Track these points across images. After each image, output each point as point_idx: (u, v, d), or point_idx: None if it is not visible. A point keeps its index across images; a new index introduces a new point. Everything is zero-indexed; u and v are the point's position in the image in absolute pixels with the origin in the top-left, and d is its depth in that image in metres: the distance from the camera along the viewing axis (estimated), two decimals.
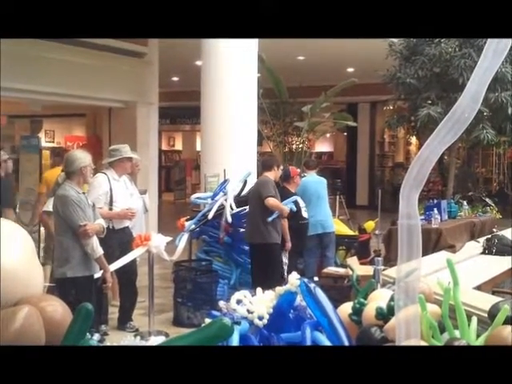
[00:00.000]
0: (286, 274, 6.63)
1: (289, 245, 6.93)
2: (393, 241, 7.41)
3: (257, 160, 8.68)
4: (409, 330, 2.12)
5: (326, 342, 2.76)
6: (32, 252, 2.50)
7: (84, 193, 5.13)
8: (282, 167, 7.27)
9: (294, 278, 2.99)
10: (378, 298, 2.97)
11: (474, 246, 7.41)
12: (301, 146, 12.76)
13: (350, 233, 9.33)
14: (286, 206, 6.86)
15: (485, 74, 2.08)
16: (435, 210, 7.89)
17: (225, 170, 7.79)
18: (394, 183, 18.95)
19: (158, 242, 5.97)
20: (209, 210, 7.23)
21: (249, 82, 8.29)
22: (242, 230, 7.51)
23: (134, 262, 6.25)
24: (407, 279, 2.13)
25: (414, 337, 2.13)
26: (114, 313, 6.56)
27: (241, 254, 7.43)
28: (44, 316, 2.23)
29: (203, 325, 2.33)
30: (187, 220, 7.37)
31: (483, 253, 7.01)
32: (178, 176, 23.01)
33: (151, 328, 6.02)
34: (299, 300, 3.07)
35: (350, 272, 5.13)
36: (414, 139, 18.29)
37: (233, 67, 8.10)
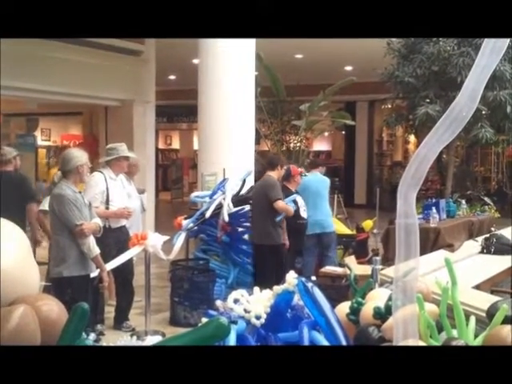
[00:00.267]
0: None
1: (287, 244, 6.92)
2: (391, 240, 7.40)
3: (255, 159, 8.66)
4: (407, 329, 2.11)
5: (324, 342, 2.75)
6: (28, 251, 2.49)
7: (80, 192, 5.11)
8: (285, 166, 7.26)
9: (291, 278, 2.97)
10: (376, 298, 2.97)
11: (473, 245, 7.41)
12: (298, 144, 12.75)
13: (348, 232, 9.32)
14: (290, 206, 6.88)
15: (482, 73, 2.08)
16: (433, 208, 7.88)
17: (224, 169, 7.77)
18: (392, 182, 18.94)
19: (155, 241, 5.95)
20: (207, 209, 7.21)
21: (246, 81, 8.27)
22: (240, 229, 7.51)
23: (130, 261, 6.23)
24: (405, 278, 2.12)
25: (411, 336, 2.12)
26: (110, 312, 6.54)
27: (239, 254, 7.42)
28: (40, 315, 2.22)
29: (200, 324, 2.32)
30: (185, 219, 7.36)
31: (481, 252, 7.02)
32: (174, 175, 22.98)
33: (148, 327, 6.01)
34: (297, 299, 3.06)
35: (348, 271, 5.12)
36: (412, 138, 18.27)
37: (230, 66, 8.08)
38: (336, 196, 13.17)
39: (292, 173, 7.44)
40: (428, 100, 9.70)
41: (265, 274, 6.48)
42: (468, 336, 2.53)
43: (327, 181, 8.21)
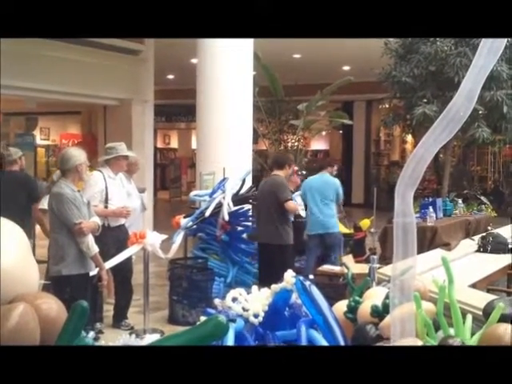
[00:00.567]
0: None
1: None
2: (388, 239, 7.42)
3: (253, 158, 8.68)
4: (404, 327, 2.13)
5: (322, 340, 2.77)
6: (27, 249, 2.50)
7: (79, 191, 5.13)
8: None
9: (289, 276, 2.99)
10: (373, 296, 2.98)
11: (469, 244, 7.43)
12: (296, 144, 12.78)
13: (346, 231, 9.33)
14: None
15: (480, 73, 2.09)
16: (430, 208, 7.90)
17: (224, 169, 7.79)
18: (389, 181, 18.97)
19: (154, 239, 5.97)
20: (207, 208, 7.23)
21: (244, 80, 8.29)
22: (239, 228, 7.52)
23: (129, 259, 6.24)
24: (402, 277, 2.13)
25: (409, 334, 2.13)
26: (108, 310, 6.56)
27: (238, 253, 7.44)
28: (39, 314, 2.23)
29: (198, 323, 2.33)
30: (184, 217, 7.37)
31: (478, 251, 7.03)
32: (173, 174, 22.99)
33: (146, 326, 6.03)
34: (294, 298, 3.07)
35: (346, 270, 5.14)
36: (409, 137, 18.31)
37: (228, 65, 8.09)
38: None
39: (290, 172, 7.45)
40: (425, 100, 9.72)
41: (272, 274, 6.44)
42: (465, 334, 2.54)
43: (334, 182, 8.12)
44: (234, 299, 3.07)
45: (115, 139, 7.73)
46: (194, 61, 9.37)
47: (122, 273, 6.31)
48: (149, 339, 2.64)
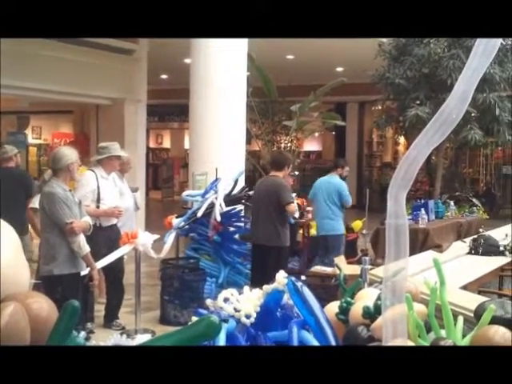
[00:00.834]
0: None
1: None
2: (380, 240, 7.44)
3: (246, 158, 8.68)
4: (396, 329, 2.13)
5: (313, 341, 2.76)
6: (18, 248, 2.49)
7: (71, 190, 5.11)
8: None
9: (281, 277, 2.99)
10: (365, 297, 2.98)
11: (461, 246, 7.45)
12: (289, 144, 12.78)
13: None
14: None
15: (473, 75, 2.09)
16: (422, 209, 7.93)
17: (217, 169, 7.78)
18: (381, 183, 19.01)
19: (145, 239, 5.96)
20: (199, 208, 7.22)
21: (238, 81, 8.28)
22: (231, 228, 7.52)
23: (121, 259, 6.23)
24: (394, 278, 2.13)
25: (400, 336, 2.13)
26: (100, 310, 6.54)
27: (229, 253, 7.43)
28: (30, 313, 2.22)
29: (190, 323, 2.33)
30: (177, 218, 7.36)
31: (469, 253, 7.05)
32: (165, 174, 22.96)
33: (138, 326, 6.01)
34: (286, 299, 3.07)
35: (338, 271, 5.14)
36: (402, 139, 18.36)
37: (222, 65, 8.08)
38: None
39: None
40: (418, 102, 9.76)
41: (268, 276, 6.40)
42: (456, 336, 2.55)
43: (336, 184, 8.19)
44: (226, 300, 3.06)
45: (107, 139, 7.72)
46: (187, 61, 9.37)
47: (114, 273, 6.29)
48: (140, 339, 2.63)
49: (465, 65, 2.13)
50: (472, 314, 2.77)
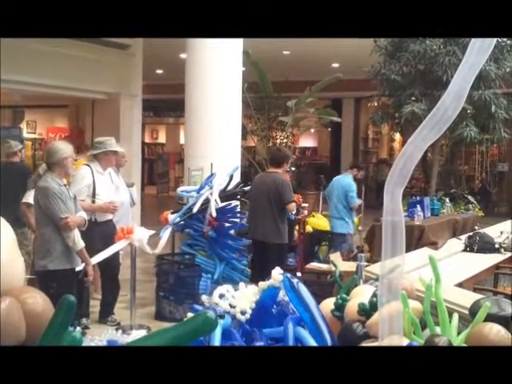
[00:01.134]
0: None
1: None
2: (376, 237, 7.44)
3: (241, 154, 8.67)
4: (392, 325, 2.13)
5: (308, 338, 2.77)
6: (14, 243, 2.48)
7: (66, 185, 5.09)
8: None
9: (277, 273, 2.98)
10: (361, 294, 2.99)
11: (456, 244, 7.46)
12: (285, 140, 12.76)
13: None
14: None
15: (469, 72, 2.09)
16: (418, 206, 7.93)
17: (212, 164, 7.77)
18: (377, 179, 19.02)
19: (141, 235, 5.95)
20: (194, 204, 7.21)
21: (233, 76, 8.26)
22: (227, 224, 7.50)
23: (116, 255, 6.22)
24: (390, 276, 2.13)
25: (396, 333, 2.14)
26: (95, 306, 6.53)
27: (225, 249, 7.42)
28: (25, 308, 2.22)
29: (185, 319, 2.32)
30: (171, 213, 7.35)
31: (465, 250, 7.07)
32: (161, 169, 22.90)
33: (133, 322, 6.00)
34: (282, 295, 3.07)
35: (333, 268, 5.14)
36: (397, 136, 18.34)
37: (218, 61, 8.06)
38: (322, 192, 13.22)
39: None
40: (414, 98, 9.74)
41: (268, 273, 6.37)
42: (451, 333, 2.55)
43: (345, 184, 8.49)
44: (221, 296, 3.06)
45: (103, 133, 7.69)
46: (182, 56, 9.35)
47: (109, 268, 6.28)
48: (135, 335, 2.63)
49: (460, 62, 2.13)
50: (467, 312, 2.77)
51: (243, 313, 2.96)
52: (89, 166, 6.28)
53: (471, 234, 7.46)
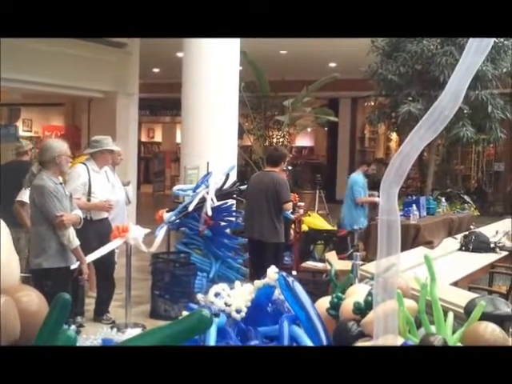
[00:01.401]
0: None
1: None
2: (371, 236, 7.44)
3: (238, 153, 8.67)
4: (387, 324, 2.13)
5: (304, 336, 2.77)
6: (9, 242, 2.48)
7: (61, 183, 5.07)
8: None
9: (272, 272, 2.99)
10: (356, 293, 2.99)
11: (452, 243, 7.47)
12: (281, 140, 12.76)
13: (329, 227, 9.36)
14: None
15: (466, 72, 2.09)
16: (414, 206, 7.94)
17: (208, 163, 7.76)
18: (373, 179, 18.99)
19: (136, 233, 5.94)
20: (190, 202, 7.20)
21: (230, 75, 8.26)
22: (222, 223, 7.50)
23: (112, 253, 6.21)
24: (386, 274, 2.14)
25: (391, 332, 2.14)
26: (90, 304, 6.52)
27: (220, 248, 7.42)
28: (20, 306, 2.22)
29: (181, 317, 2.32)
30: (167, 212, 7.35)
31: (460, 249, 7.07)
32: (157, 168, 22.88)
33: (128, 320, 6.00)
34: (277, 294, 3.07)
35: (329, 266, 5.15)
36: (394, 135, 18.38)
37: (214, 60, 8.05)
38: (318, 192, 13.25)
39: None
40: (410, 98, 9.76)
41: (265, 272, 6.36)
42: (446, 332, 2.55)
43: (353, 180, 8.76)
44: (217, 294, 3.06)
45: (99, 132, 7.68)
46: (179, 54, 9.33)
47: (104, 267, 6.27)
48: (130, 333, 2.63)
49: (457, 62, 2.13)
50: (462, 310, 2.78)
51: (238, 311, 2.96)
52: (85, 164, 6.28)
53: (467, 233, 7.47)
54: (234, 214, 7.68)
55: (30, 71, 9.70)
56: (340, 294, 3.05)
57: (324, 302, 3.07)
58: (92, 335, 2.85)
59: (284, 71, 14.86)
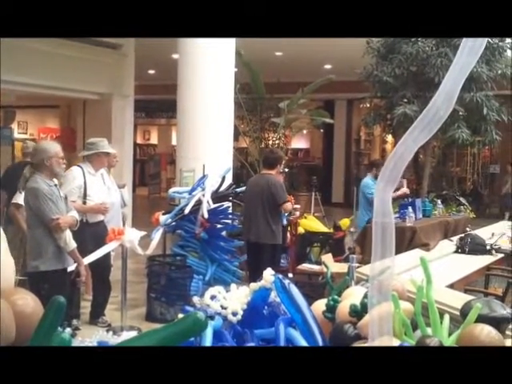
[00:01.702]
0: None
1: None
2: (367, 239, 7.44)
3: (233, 155, 8.67)
4: (382, 327, 2.13)
5: (300, 339, 2.76)
6: (4, 246, 2.47)
7: (56, 185, 5.04)
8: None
9: (268, 275, 2.98)
10: (352, 296, 2.98)
11: (448, 245, 7.47)
12: (277, 142, 12.76)
13: (325, 230, 9.37)
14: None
15: (460, 72, 2.09)
16: (410, 208, 7.93)
17: (204, 166, 7.76)
18: None
19: (132, 236, 5.93)
20: (186, 205, 7.20)
21: (226, 77, 8.26)
22: (218, 225, 7.50)
23: (108, 256, 6.20)
24: (381, 277, 2.13)
25: (387, 334, 2.13)
26: (85, 307, 6.51)
27: (217, 250, 7.41)
28: (15, 309, 2.21)
29: (176, 320, 2.32)
30: (163, 214, 7.34)
31: (456, 252, 7.07)
32: (152, 170, 22.88)
33: (124, 323, 5.99)
34: (273, 296, 3.06)
35: (325, 269, 5.15)
36: (389, 137, 18.39)
37: (210, 62, 8.05)
38: (314, 194, 13.26)
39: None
40: (406, 100, 9.76)
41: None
42: (442, 334, 2.55)
43: (364, 185, 8.65)
44: (213, 297, 3.05)
45: (94, 134, 7.67)
46: (175, 56, 9.33)
47: (100, 269, 6.26)
48: (126, 336, 2.62)
49: (452, 62, 2.13)
50: (458, 313, 2.77)
51: (234, 314, 2.95)
52: (80, 166, 6.27)
53: (463, 235, 7.47)
54: (230, 216, 7.68)
55: (24, 73, 9.67)
56: (336, 297, 3.04)
57: (320, 305, 3.06)
58: (87, 338, 2.84)
59: (279, 73, 14.87)
